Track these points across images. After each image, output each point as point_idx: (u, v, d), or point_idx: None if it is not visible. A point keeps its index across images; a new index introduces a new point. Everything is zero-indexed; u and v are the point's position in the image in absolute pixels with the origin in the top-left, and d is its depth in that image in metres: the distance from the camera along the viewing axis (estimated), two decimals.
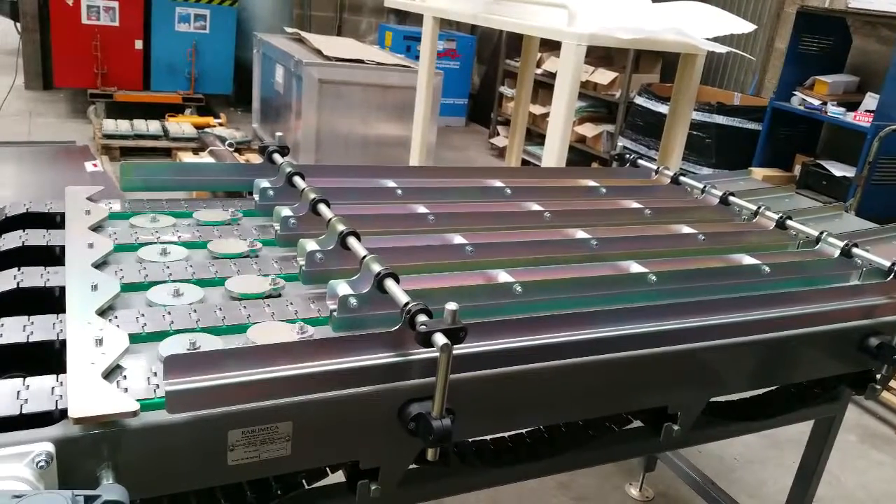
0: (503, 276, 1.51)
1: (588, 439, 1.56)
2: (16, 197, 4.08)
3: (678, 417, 1.61)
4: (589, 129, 7.47)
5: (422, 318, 1.18)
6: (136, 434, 1.05)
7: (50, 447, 0.99)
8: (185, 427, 1.08)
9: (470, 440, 1.53)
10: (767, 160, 5.79)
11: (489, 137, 8.88)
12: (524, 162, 6.71)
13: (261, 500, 1.24)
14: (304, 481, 1.32)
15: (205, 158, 6.15)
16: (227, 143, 6.47)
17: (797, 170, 5.67)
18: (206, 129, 6.69)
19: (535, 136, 7.65)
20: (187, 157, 6.14)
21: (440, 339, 1.13)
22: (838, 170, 5.28)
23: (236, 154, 6.39)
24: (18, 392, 1.09)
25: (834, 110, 5.28)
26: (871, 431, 3.60)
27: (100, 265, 1.47)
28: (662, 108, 6.03)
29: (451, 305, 1.16)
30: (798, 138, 5.82)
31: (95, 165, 5.47)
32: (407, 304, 1.21)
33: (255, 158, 6.78)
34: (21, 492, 0.92)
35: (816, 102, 5.43)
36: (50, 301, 1.36)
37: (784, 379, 1.76)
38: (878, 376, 1.86)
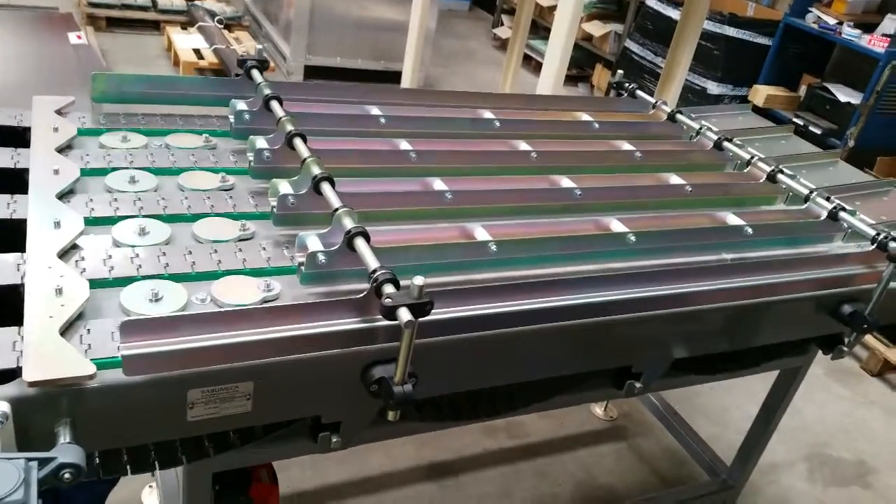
0: (479, 232, 1.48)
1: (548, 394, 1.59)
2: None
3: (641, 376, 1.64)
4: (596, 28, 7.18)
5: (388, 288, 1.16)
6: (94, 393, 1.05)
7: (5, 406, 0.99)
8: (144, 387, 1.08)
9: None
10: (774, 77, 5.60)
11: (493, 27, 8.54)
12: (526, 58, 6.48)
13: (218, 450, 1.26)
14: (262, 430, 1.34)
15: (193, 34, 5.92)
16: (216, 19, 6.21)
17: (802, 90, 5.51)
18: (196, 3, 6.38)
19: (541, 29, 7.34)
20: (176, 32, 5.91)
21: (405, 314, 1.12)
22: (844, 95, 5.13)
23: (225, 31, 6.14)
24: None
25: (849, 32, 5.06)
26: (838, 366, 3.70)
27: (65, 194, 1.43)
28: (674, 14, 5.78)
29: (418, 280, 1.13)
30: (808, 57, 5.60)
31: (80, 37, 5.25)
32: (375, 271, 1.19)
33: (245, 36, 6.51)
34: None
35: (832, 21, 5.19)
36: (19, 235, 1.32)
37: (755, 341, 1.77)
38: (847, 339, 1.88)
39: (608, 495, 2.67)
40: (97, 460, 1.15)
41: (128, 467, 1.17)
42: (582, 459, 2.81)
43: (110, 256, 1.29)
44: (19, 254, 1.27)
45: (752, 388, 3.35)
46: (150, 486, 2.26)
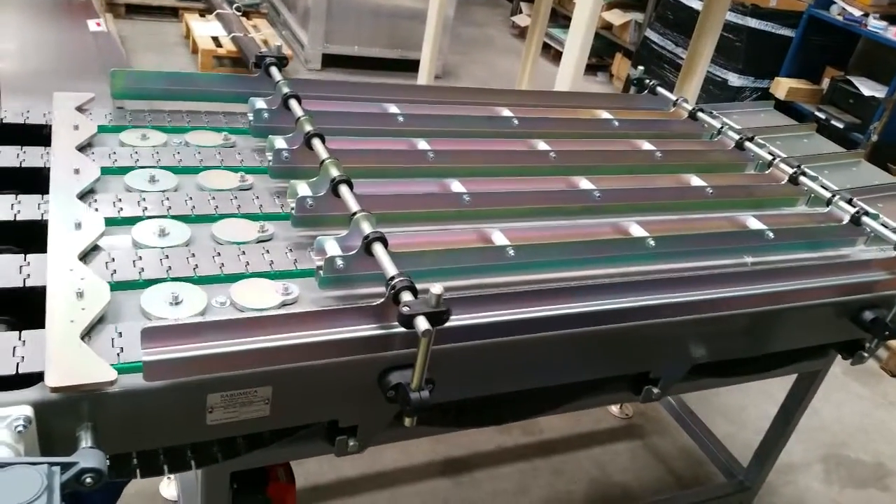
0: (497, 236, 1.47)
1: (565, 399, 1.58)
2: (18, 56, 3.93)
3: (659, 381, 1.63)
4: (617, 17, 7.11)
5: (406, 296, 1.16)
6: (114, 398, 1.06)
7: (28, 411, 1.00)
8: (164, 392, 1.08)
9: None
10: (796, 70, 5.52)
11: (511, 15, 8.47)
12: (545, 47, 6.43)
13: (251, 446, 1.27)
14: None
15: (211, 21, 5.92)
16: (234, 6, 6.20)
17: (825, 83, 5.42)
18: None
19: (561, 17, 7.28)
20: (194, 19, 5.91)
21: (422, 323, 1.11)
22: (868, 88, 5.05)
23: (244, 18, 6.13)
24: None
25: (875, 24, 4.97)
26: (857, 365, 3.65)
27: (86, 194, 1.44)
28: (696, 4, 5.70)
29: (436, 288, 1.13)
30: (831, 49, 5.51)
31: (99, 24, 5.24)
32: (392, 278, 1.19)
33: (263, 23, 6.47)
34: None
35: (857, 13, 5.10)
36: (25, 235, 1.33)
37: (775, 347, 1.76)
38: (867, 345, 1.86)
39: (623, 494, 2.67)
40: (135, 461, 1.17)
41: (165, 467, 1.19)
42: (597, 457, 2.80)
43: (134, 260, 1.30)
44: (21, 255, 1.27)
45: (770, 388, 3.32)
46: (169, 478, 2.29)
